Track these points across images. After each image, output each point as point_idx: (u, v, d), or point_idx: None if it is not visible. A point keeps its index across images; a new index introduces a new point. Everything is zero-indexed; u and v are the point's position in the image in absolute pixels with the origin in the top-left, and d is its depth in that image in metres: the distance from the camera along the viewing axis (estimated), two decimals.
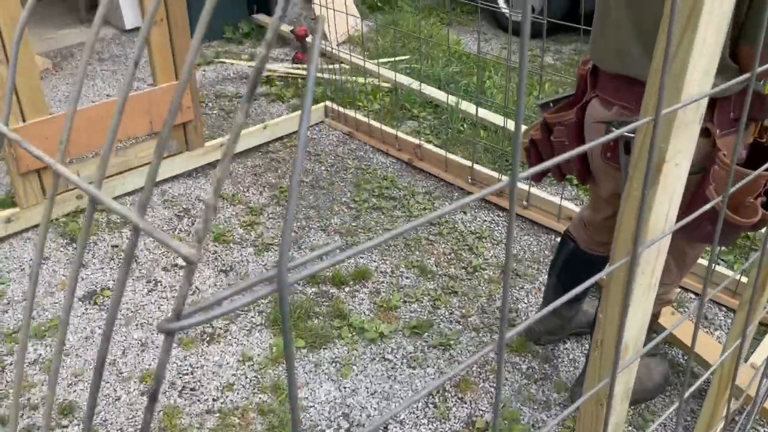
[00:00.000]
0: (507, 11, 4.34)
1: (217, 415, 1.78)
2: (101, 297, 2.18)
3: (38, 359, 1.95)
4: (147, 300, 2.18)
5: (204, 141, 2.91)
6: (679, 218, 0.65)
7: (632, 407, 1.82)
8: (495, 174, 2.70)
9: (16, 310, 2.13)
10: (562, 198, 2.52)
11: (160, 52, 2.59)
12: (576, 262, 1.84)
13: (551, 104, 1.58)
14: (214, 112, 3.46)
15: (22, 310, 2.13)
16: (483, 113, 3.11)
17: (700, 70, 0.59)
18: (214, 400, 1.83)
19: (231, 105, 3.53)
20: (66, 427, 1.75)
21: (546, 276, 2.30)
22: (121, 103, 0.36)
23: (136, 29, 4.35)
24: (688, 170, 0.67)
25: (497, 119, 3.14)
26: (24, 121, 2.32)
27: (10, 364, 1.93)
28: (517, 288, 2.27)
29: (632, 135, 1.37)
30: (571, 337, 2.06)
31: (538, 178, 1.68)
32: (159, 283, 2.25)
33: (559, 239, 2.47)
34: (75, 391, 1.86)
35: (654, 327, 1.82)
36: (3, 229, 2.41)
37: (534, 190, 2.58)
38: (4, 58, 2.19)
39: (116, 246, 2.43)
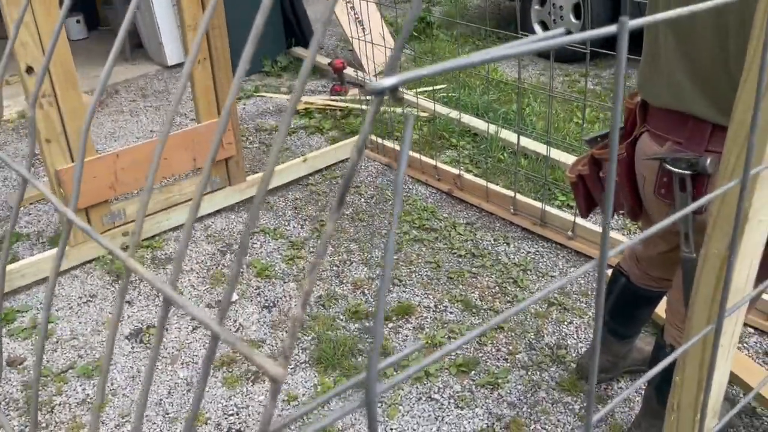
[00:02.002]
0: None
1: None
2: (147, 335, 2.20)
3: (86, 399, 1.96)
4: (192, 338, 2.19)
5: (245, 175, 2.95)
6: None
7: None
8: (538, 204, 2.65)
9: (65, 349, 2.16)
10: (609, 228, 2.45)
11: (203, 90, 2.64)
12: (628, 297, 1.78)
13: (599, 139, 1.55)
14: (255, 145, 3.50)
15: (71, 349, 2.16)
16: (524, 141, 3.07)
17: None
18: None
19: (270, 138, 3.57)
20: None
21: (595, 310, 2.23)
22: (157, 154, 0.35)
23: (179, 65, 4.46)
24: None
25: (539, 147, 3.09)
26: (72, 160, 2.38)
27: (60, 404, 1.95)
28: (566, 323, 2.20)
29: (687, 172, 1.33)
30: (625, 375, 1.98)
31: (585, 213, 1.63)
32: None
33: (609, 271, 2.41)
34: (122, 431, 1.86)
35: None
36: (54, 267, 2.46)
37: (579, 221, 2.52)
38: (54, 100, 2.25)
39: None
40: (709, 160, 1.26)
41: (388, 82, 0.28)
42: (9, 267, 2.36)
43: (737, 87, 0.58)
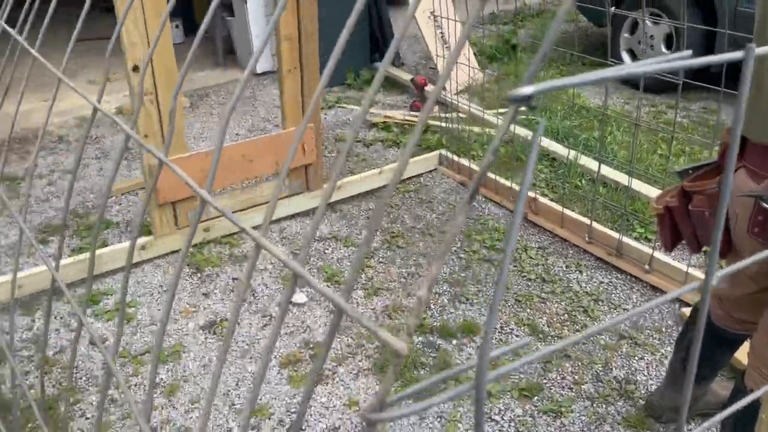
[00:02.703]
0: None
1: None
2: (220, 327, 2.29)
3: (159, 383, 2.06)
4: (262, 335, 2.26)
5: (323, 182, 3.02)
6: None
7: None
8: (615, 234, 2.59)
9: (144, 333, 2.27)
10: (689, 265, 2.37)
11: (291, 98, 2.74)
12: (707, 337, 1.71)
13: (690, 171, 1.51)
14: (333, 154, 3.59)
15: (150, 334, 2.27)
16: (604, 170, 3.01)
17: None
18: None
19: (341, 153, 3.65)
20: None
21: (669, 348, 2.15)
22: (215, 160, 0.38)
23: (267, 73, 4.63)
24: None
25: (619, 177, 3.03)
26: (166, 156, 2.51)
27: (136, 384, 2.05)
28: (636, 358, 2.14)
29: None
30: (697, 418, 1.90)
31: (670, 247, 1.59)
32: (274, 319, 2.33)
33: (684, 308, 2.32)
34: (191, 417, 1.94)
35: None
36: (138, 256, 2.60)
37: (657, 254, 2.45)
38: (155, 98, 2.40)
39: (237, 278, 2.55)
40: None
41: (528, 90, 0.30)
42: (98, 252, 2.52)
43: None
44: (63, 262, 2.44)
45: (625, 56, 4.26)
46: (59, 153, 3.60)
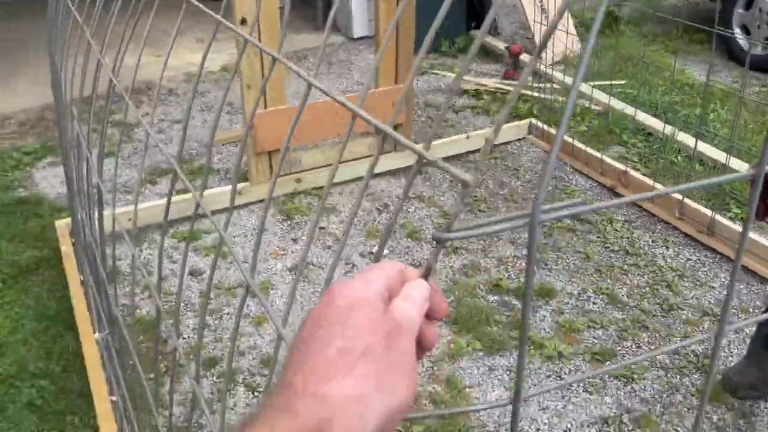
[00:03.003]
0: (743, 40, 4.00)
1: None
2: (306, 270, 2.43)
3: (249, 314, 2.23)
4: (342, 280, 2.37)
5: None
6: None
7: None
8: (708, 212, 2.51)
9: (237, 270, 2.45)
10: None
11: (386, 59, 2.81)
12: None
13: None
14: (422, 119, 3.64)
15: (242, 271, 2.45)
16: (703, 147, 2.90)
17: None
18: None
19: (436, 114, 3.69)
20: (266, 375, 1.98)
21: (753, 327, 2.09)
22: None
23: (364, 38, 4.73)
24: None
25: (718, 155, 2.90)
26: (265, 107, 2.66)
27: (228, 314, 2.23)
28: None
29: None
30: None
31: (762, 215, 1.54)
32: (355, 267, 2.45)
33: None
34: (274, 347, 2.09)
35: None
36: (234, 200, 2.78)
37: (753, 235, 2.35)
38: (258, 51, 2.53)
39: (323, 228, 2.68)
40: None
41: (447, 235, 0.35)
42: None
43: None
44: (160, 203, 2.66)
45: (738, 32, 4.03)
46: (169, 104, 3.86)
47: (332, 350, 0.38)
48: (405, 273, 0.44)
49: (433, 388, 1.92)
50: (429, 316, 0.44)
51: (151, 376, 1.66)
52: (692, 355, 2.01)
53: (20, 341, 2.08)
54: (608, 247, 2.55)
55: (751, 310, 2.18)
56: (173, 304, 2.24)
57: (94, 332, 1.91)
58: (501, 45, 4.25)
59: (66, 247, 2.36)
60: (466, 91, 3.85)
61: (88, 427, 1.78)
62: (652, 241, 2.57)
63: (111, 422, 1.65)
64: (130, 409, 1.41)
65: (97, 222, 1.35)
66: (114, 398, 1.67)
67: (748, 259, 2.35)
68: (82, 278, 2.15)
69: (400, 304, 0.43)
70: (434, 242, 0.42)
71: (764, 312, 1.78)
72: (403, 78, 2.89)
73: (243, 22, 2.40)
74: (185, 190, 2.94)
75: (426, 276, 0.44)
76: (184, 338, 2.12)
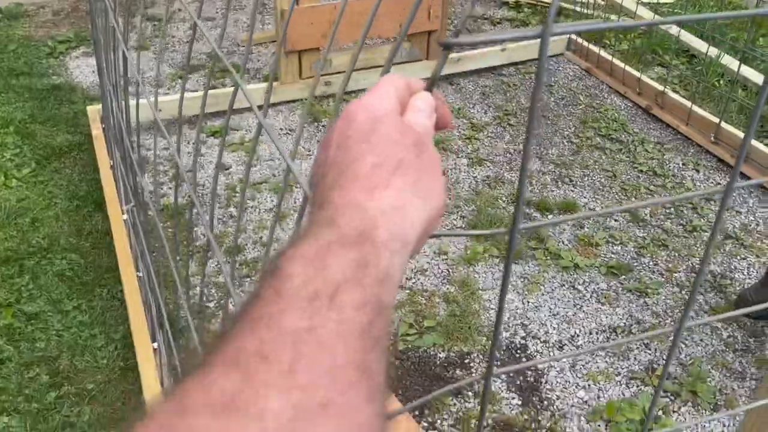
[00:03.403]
0: None
1: (408, 291, 1.95)
2: None
3: (271, 208, 2.27)
4: None
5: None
6: None
7: None
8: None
9: (263, 167, 2.48)
10: None
11: None
12: None
13: None
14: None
15: (268, 168, 2.48)
16: (748, 72, 2.78)
17: None
18: (407, 279, 1.99)
19: (474, 26, 3.57)
20: None
21: None
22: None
23: None
24: None
25: (762, 80, 2.78)
26: (297, 4, 2.60)
27: (252, 207, 2.27)
28: (739, 258, 2.07)
29: None
30: None
31: None
32: None
33: None
34: None
35: None
36: (263, 99, 2.78)
37: None
38: None
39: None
40: None
41: (454, 41, 0.33)
42: (228, 91, 2.71)
43: None
44: (195, 95, 2.67)
45: None
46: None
47: (366, 166, 0.36)
48: (410, 85, 0.44)
49: (447, 288, 1.96)
50: (436, 126, 0.44)
51: (178, 258, 1.72)
52: (709, 276, 2.01)
53: (53, 217, 2.16)
54: (636, 167, 2.51)
55: None
56: (199, 195, 2.29)
57: (122, 214, 1.98)
58: None
59: (97, 131, 2.40)
60: (505, 2, 3.70)
61: (116, 299, 1.88)
62: (683, 164, 2.52)
63: (137, 297, 1.73)
64: (155, 283, 1.47)
65: (127, 112, 1.36)
66: (140, 274, 1.75)
67: None
68: (111, 163, 2.20)
69: (413, 116, 0.43)
70: (441, 48, 0.41)
71: None
72: None
73: None
74: (213, 87, 2.94)
75: (430, 87, 0.44)
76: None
